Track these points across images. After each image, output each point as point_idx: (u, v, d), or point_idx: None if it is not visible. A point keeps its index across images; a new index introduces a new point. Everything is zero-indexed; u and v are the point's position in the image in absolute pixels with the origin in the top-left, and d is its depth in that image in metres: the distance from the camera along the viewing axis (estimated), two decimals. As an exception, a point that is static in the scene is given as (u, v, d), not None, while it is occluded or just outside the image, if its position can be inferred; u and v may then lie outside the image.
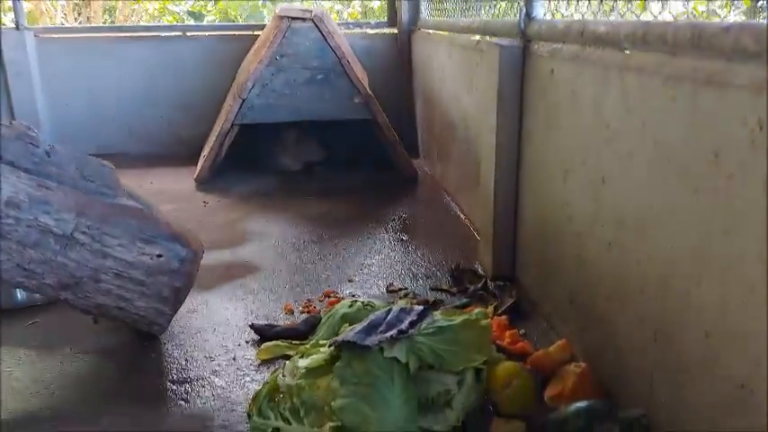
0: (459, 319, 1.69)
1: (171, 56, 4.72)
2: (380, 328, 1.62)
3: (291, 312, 2.23)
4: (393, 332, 1.58)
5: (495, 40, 2.30)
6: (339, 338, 1.64)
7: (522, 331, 2.02)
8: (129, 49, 4.70)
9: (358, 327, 1.65)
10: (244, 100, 3.74)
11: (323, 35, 3.68)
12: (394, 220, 3.22)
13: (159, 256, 1.88)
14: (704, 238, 1.21)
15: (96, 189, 1.81)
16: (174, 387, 1.77)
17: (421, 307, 1.67)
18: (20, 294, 2.25)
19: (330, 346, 1.70)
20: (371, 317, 1.69)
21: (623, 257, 1.53)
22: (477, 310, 1.75)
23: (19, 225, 1.62)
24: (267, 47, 3.70)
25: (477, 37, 2.82)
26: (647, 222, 1.42)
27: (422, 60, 4.30)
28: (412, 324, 1.60)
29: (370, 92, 3.83)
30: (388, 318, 1.66)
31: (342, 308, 2.00)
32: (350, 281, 2.49)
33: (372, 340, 1.56)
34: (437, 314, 1.73)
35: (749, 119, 1.05)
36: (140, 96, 4.73)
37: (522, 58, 2.13)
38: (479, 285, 2.34)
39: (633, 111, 1.46)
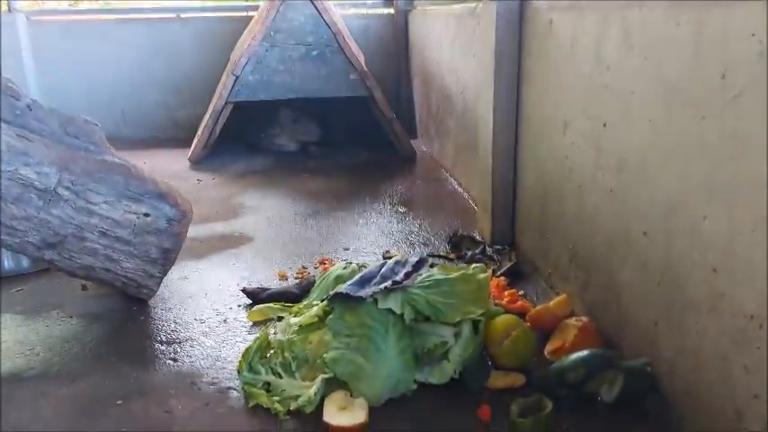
0: (456, 273, 1.63)
1: (165, 38, 4.66)
2: (374, 281, 1.57)
3: (285, 278, 2.18)
4: (387, 283, 1.52)
5: (492, -2, 2.24)
6: (331, 292, 1.58)
7: (522, 292, 1.96)
8: (123, 31, 4.64)
9: (351, 281, 1.60)
10: (237, 77, 3.68)
11: (317, 10, 3.62)
12: (391, 194, 3.17)
13: (146, 215, 1.82)
14: (711, 169, 1.15)
15: (81, 145, 1.75)
16: (163, 348, 1.72)
17: (416, 258, 1.61)
18: (7, 262, 2.20)
19: (322, 300, 1.65)
20: (364, 271, 1.63)
21: (625, 203, 1.48)
22: (475, 265, 1.70)
23: None
24: (261, 22, 3.64)
25: (474, 4, 2.76)
26: (649, 163, 1.36)
27: (419, 39, 4.24)
28: (407, 275, 1.55)
29: (366, 68, 3.77)
30: (383, 270, 1.60)
31: (336, 270, 1.94)
32: (346, 249, 2.43)
33: (366, 292, 1.51)
34: (434, 270, 1.68)
35: (758, 30, 0.99)
36: (134, 79, 4.67)
37: (519, 12, 2.07)
38: (477, 251, 2.28)
39: (634, 47, 1.40)
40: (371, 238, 2.55)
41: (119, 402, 1.47)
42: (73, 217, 1.71)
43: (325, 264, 2.27)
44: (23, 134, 1.61)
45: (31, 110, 1.69)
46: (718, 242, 1.14)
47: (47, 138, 1.67)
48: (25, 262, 2.23)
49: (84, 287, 2.07)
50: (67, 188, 1.68)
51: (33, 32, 4.54)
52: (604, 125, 1.56)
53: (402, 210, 2.91)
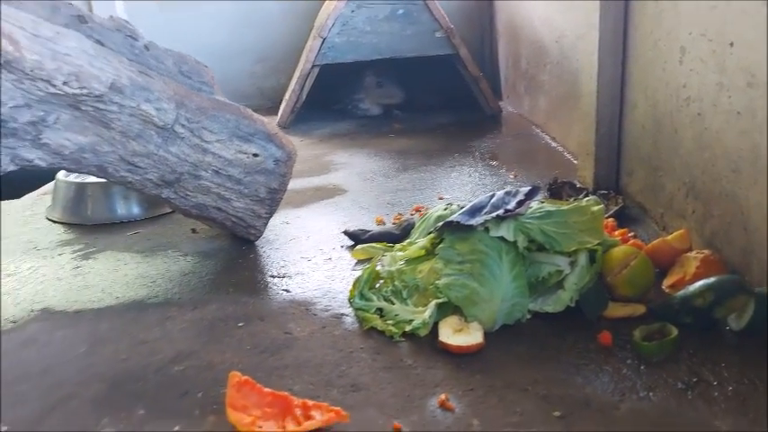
0: (568, 205, 1.59)
1: (253, 7, 4.76)
2: (485, 210, 1.55)
3: (383, 224, 2.19)
4: (499, 212, 1.50)
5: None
6: (440, 223, 1.58)
7: (632, 234, 1.89)
8: (213, 3, 4.77)
9: (460, 211, 1.59)
10: (324, 39, 3.71)
11: (402, -34, 3.58)
12: (481, 150, 3.12)
13: (255, 155, 1.87)
14: None
15: (194, 85, 1.82)
16: (275, 281, 1.77)
17: (528, 187, 1.58)
18: (119, 209, 2.32)
19: (429, 233, 1.65)
20: (474, 201, 1.62)
21: (755, 122, 1.39)
22: (588, 198, 1.65)
23: (122, 113, 1.64)
24: (347, -17, 3.65)
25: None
26: (788, 74, 1.27)
27: (504, -4, 4.14)
28: (519, 203, 1.52)
29: (451, 25, 3.72)
30: (493, 200, 1.58)
31: (437, 211, 1.93)
32: (440, 198, 2.43)
33: (477, 220, 1.50)
34: (545, 203, 1.64)
35: None
36: (222, 49, 4.78)
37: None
38: (580, 197, 2.21)
39: (771, -47, 1.30)
40: (466, 188, 2.53)
41: (240, 325, 1.53)
42: (189, 155, 1.78)
43: (420, 211, 2.27)
44: (144, 70, 1.68)
45: (148, 49, 1.76)
46: None
47: (164, 75, 1.74)
48: (136, 209, 2.34)
49: (193, 230, 2.16)
50: (183, 125, 1.74)
51: (130, 7, 4.73)
52: (731, 44, 1.47)
53: (494, 163, 2.87)
